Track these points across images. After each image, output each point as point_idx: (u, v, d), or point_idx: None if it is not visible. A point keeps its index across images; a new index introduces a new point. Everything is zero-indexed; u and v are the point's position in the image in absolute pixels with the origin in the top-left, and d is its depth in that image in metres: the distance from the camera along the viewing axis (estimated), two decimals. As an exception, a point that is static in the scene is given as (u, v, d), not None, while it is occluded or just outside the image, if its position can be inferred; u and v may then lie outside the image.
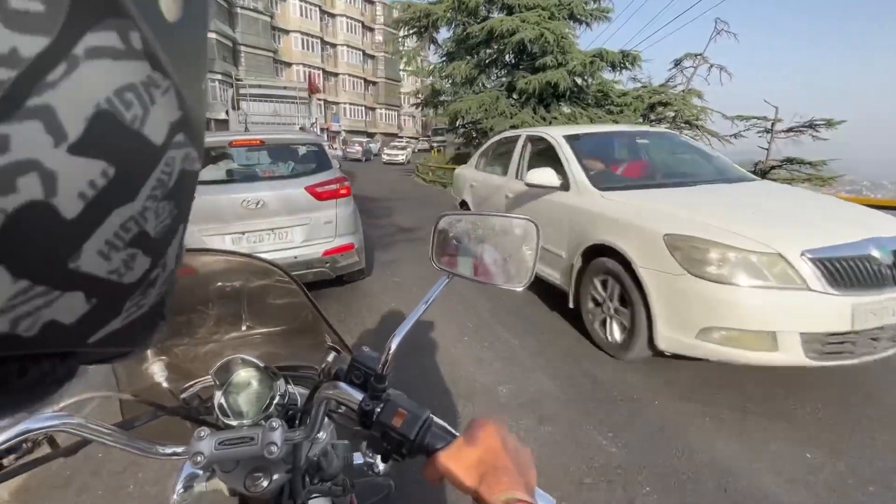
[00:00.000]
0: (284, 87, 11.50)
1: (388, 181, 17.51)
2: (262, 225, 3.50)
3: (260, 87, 11.37)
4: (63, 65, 0.12)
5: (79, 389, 0.52)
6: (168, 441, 0.61)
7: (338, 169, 4.10)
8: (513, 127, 13.89)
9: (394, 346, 0.57)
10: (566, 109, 14.59)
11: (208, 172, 3.77)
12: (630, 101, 14.83)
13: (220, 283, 0.83)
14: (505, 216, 0.70)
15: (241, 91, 10.30)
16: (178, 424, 0.71)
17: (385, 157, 27.56)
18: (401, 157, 27.35)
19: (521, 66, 14.72)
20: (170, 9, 0.15)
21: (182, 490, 0.70)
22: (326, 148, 4.15)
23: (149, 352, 0.76)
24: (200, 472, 0.69)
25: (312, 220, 3.65)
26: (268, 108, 11.25)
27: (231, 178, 3.92)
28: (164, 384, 0.73)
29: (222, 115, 27.22)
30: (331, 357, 0.73)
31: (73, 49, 0.12)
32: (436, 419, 0.54)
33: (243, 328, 0.88)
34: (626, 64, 13.60)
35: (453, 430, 0.53)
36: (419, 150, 40.16)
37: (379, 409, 0.53)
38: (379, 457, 0.70)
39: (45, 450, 0.58)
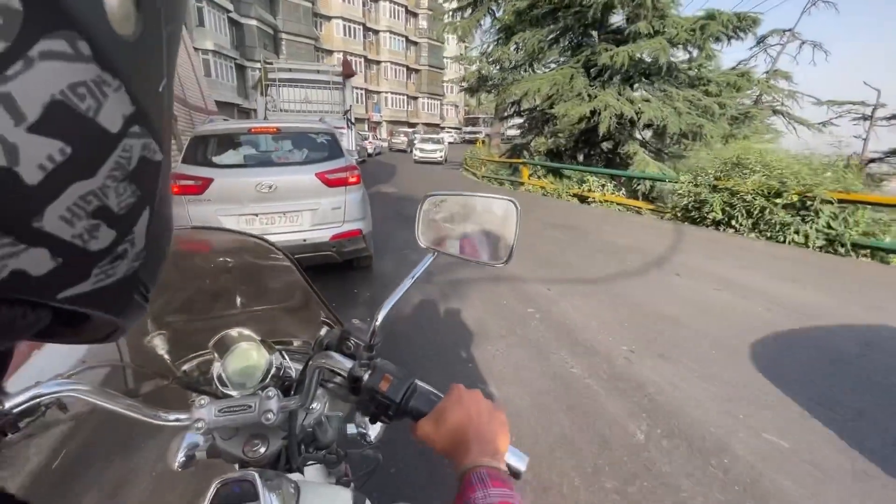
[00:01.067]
0: (317, 71, 10.32)
1: (435, 176, 15.76)
2: (274, 208, 3.64)
3: (290, 70, 10.10)
4: (20, 62, 0.15)
5: (85, 359, 0.68)
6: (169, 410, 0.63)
7: (351, 158, 4.26)
8: (593, 112, 11.85)
9: (380, 317, 0.60)
10: (644, 92, 12.23)
11: (228, 157, 3.96)
12: (734, 79, 12.31)
13: (218, 261, 0.91)
14: (487, 196, 0.71)
15: (270, 76, 9.51)
16: (179, 395, 0.75)
17: (417, 155, 22.20)
18: (438, 154, 22.13)
19: (602, 38, 12.48)
20: (122, 27, 0.18)
21: (183, 458, 0.71)
22: (351, 137, 4.19)
23: (150, 325, 0.82)
24: (201, 440, 0.71)
25: (322, 205, 3.77)
26: (298, 95, 9.74)
27: (248, 162, 4.03)
28: (166, 356, 0.75)
29: (246, 104, 26.42)
30: (323, 331, 0.76)
31: (28, 51, 0.15)
32: (420, 384, 0.58)
33: (240, 305, 0.94)
34: (741, 30, 11.06)
35: (438, 393, 0.57)
36: (459, 142, 38.92)
37: (367, 376, 0.57)
38: (370, 426, 0.83)
39: (56, 415, 0.61)
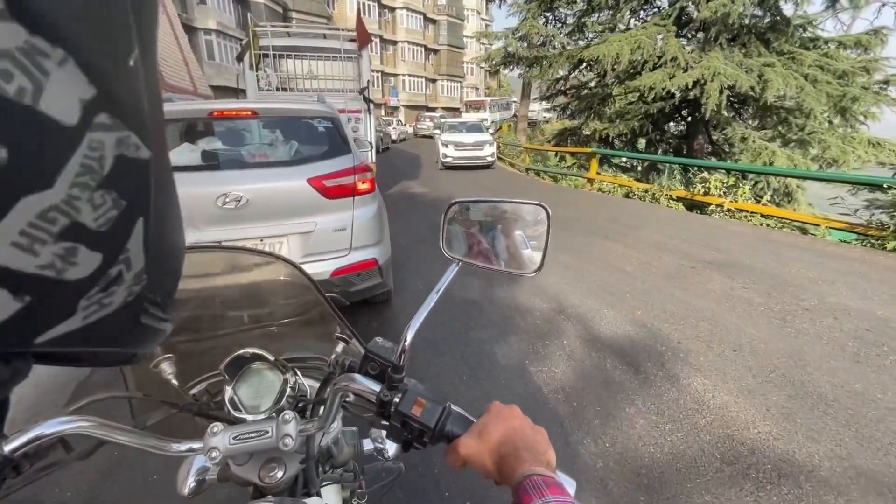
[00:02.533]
0: (323, 36, 7.49)
1: (467, 169, 12.81)
2: (245, 232, 2.49)
3: (288, 35, 7.48)
4: None
5: (89, 391, 0.63)
6: (177, 437, 0.59)
7: (364, 154, 3.34)
8: (696, 83, 8.88)
9: (409, 337, 0.56)
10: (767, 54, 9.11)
11: (179, 154, 2.69)
12: (865, 38, 9.14)
13: (224, 279, 0.85)
14: (515, 201, 0.67)
15: (263, 43, 6.82)
16: (187, 421, 0.71)
17: (449, 155, 12.40)
18: (484, 152, 12.56)
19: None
20: None
21: (193, 484, 0.69)
22: (369, 123, 3.74)
23: (158, 349, 0.75)
24: (211, 464, 0.68)
25: (318, 225, 2.63)
26: (301, 68, 7.04)
27: (207, 162, 2.69)
28: (174, 381, 0.70)
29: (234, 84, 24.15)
30: (339, 347, 0.77)
31: None
32: (454, 407, 0.54)
33: (250, 321, 0.90)
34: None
35: (471, 417, 0.53)
36: (489, 124, 35.91)
37: (398, 399, 0.53)
38: (390, 443, 0.78)
39: (60, 454, 0.55)
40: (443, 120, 14.39)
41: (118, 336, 0.19)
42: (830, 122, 9.47)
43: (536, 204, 0.65)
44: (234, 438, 0.58)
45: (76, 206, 0.15)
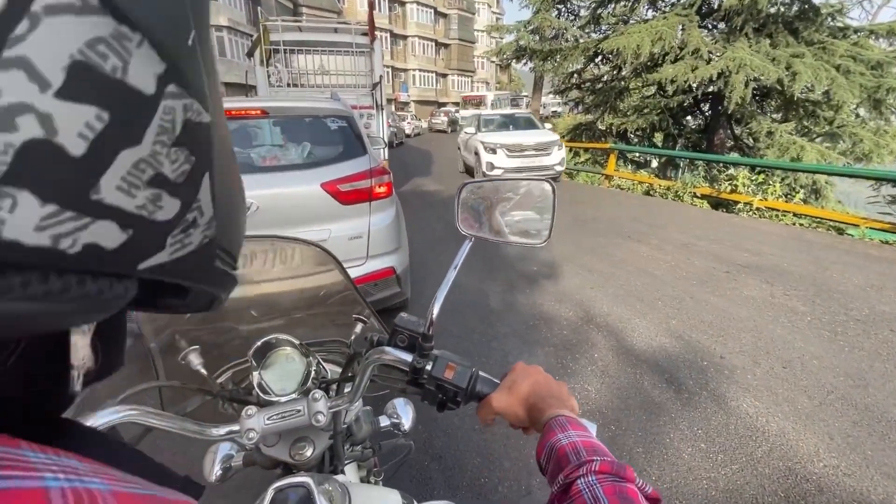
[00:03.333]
0: (335, 30, 7.13)
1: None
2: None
3: (300, 30, 7.10)
4: (26, 21, 0.14)
5: (120, 389, 0.60)
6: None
7: (379, 154, 3.17)
8: (721, 74, 8.51)
9: (436, 309, 0.60)
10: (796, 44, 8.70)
11: None
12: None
13: (248, 270, 0.89)
14: (523, 179, 0.72)
15: (273, 38, 6.59)
16: (209, 408, 0.75)
17: (498, 168, 8.45)
18: (550, 159, 8.62)
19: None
20: None
21: (220, 471, 0.72)
22: (381, 121, 3.71)
23: (183, 342, 0.82)
24: (234, 451, 0.74)
25: (333, 233, 2.49)
26: (312, 63, 6.88)
27: None
28: (202, 371, 0.73)
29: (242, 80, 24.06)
30: (358, 328, 0.82)
31: (31, 7, 0.14)
32: (480, 372, 0.59)
33: (270, 311, 0.93)
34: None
35: (496, 380, 0.59)
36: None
37: (430, 367, 0.58)
38: (403, 416, 0.87)
39: None
40: (480, 114, 10.53)
41: (199, 273, 0.23)
42: (858, 115, 9.05)
43: (542, 180, 0.70)
44: (268, 419, 0.61)
45: (158, 159, 0.18)
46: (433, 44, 41.42)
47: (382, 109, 6.51)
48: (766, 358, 2.61)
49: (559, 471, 0.42)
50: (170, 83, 0.18)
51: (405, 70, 39.60)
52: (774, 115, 10.20)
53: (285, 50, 6.86)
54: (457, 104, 31.23)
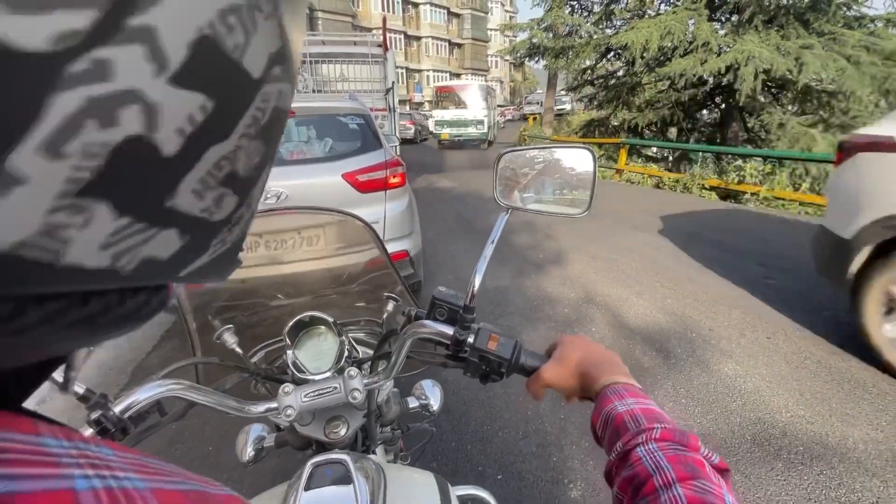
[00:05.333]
0: (354, 43, 8.38)
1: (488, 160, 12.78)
2: (282, 223, 2.26)
3: (323, 43, 8.30)
4: None
5: (150, 371, 0.64)
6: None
7: (393, 149, 3.42)
8: (729, 68, 8.59)
9: (477, 281, 0.59)
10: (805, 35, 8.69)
11: None
12: None
13: (280, 251, 0.95)
14: (561, 146, 0.68)
15: (300, 50, 6.74)
16: (243, 388, 0.75)
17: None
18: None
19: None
20: None
21: (252, 452, 0.74)
22: (394, 121, 3.91)
23: (217, 321, 0.83)
24: (266, 432, 0.76)
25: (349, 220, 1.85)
26: (334, 72, 8.33)
27: None
28: (237, 349, 0.74)
29: (299, 87, 24.72)
30: (390, 306, 0.81)
31: None
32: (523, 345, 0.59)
33: (300, 292, 0.96)
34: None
35: (540, 353, 0.58)
36: (518, 118, 35.24)
37: (472, 338, 0.57)
38: (433, 399, 0.87)
39: (156, 418, 0.59)
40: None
41: (222, 267, 0.20)
42: (877, 105, 8.97)
43: (582, 147, 0.67)
44: (305, 396, 0.61)
45: (238, 155, 0.16)
46: (447, 44, 41.68)
47: (394, 111, 7.26)
48: (752, 330, 2.82)
49: (617, 438, 0.41)
50: (276, 65, 0.16)
51: (419, 70, 39.96)
52: (791, 107, 10.18)
53: (311, 61, 7.56)
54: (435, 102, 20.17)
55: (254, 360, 0.81)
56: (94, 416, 0.52)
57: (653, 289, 3.53)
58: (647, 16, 10.61)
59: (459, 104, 17.01)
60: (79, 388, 0.51)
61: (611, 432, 0.43)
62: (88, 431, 0.52)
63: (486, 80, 46.19)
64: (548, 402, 2.20)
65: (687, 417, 2.09)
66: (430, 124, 17.21)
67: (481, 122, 16.93)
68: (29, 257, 0.11)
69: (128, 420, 0.55)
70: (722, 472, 0.37)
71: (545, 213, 0.69)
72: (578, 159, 0.67)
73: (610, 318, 3.09)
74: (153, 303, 0.17)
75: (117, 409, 0.54)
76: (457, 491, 0.68)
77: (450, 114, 17.04)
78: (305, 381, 0.65)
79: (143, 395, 0.56)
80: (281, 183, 2.64)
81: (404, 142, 25.73)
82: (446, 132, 16.89)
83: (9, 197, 0.10)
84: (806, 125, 8.77)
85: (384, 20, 8.69)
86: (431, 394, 0.88)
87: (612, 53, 11.92)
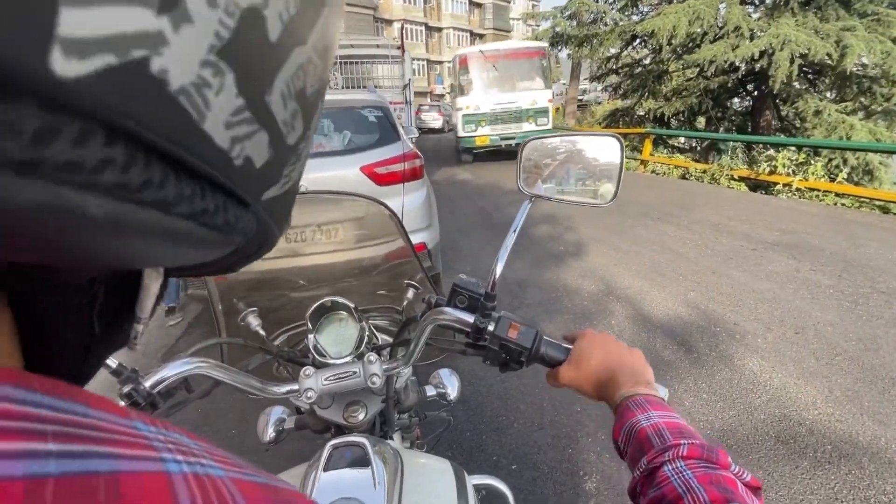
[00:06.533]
0: (377, 45, 9.34)
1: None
2: (303, 219, 2.05)
3: (352, 46, 9.26)
4: None
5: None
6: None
7: (410, 141, 3.23)
8: (763, 53, 8.24)
9: (498, 269, 0.58)
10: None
11: None
12: None
13: (302, 231, 1.01)
14: (588, 134, 0.67)
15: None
16: (265, 370, 0.77)
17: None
18: None
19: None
20: None
21: (273, 433, 0.75)
22: (409, 114, 3.83)
23: (241, 305, 0.84)
24: (287, 414, 0.77)
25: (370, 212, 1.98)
26: (359, 71, 9.23)
27: None
28: (261, 332, 0.75)
29: None
30: (410, 294, 0.82)
31: None
32: (544, 335, 0.58)
33: (322, 277, 0.99)
34: None
35: (561, 343, 0.57)
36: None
37: (493, 326, 0.57)
38: (451, 387, 0.87)
39: (184, 394, 0.61)
40: None
41: (286, 215, 0.20)
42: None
43: (609, 135, 0.66)
44: (325, 379, 0.63)
45: (307, 69, 0.16)
46: (468, 34, 41.25)
47: (410, 105, 8.20)
48: (779, 325, 2.72)
49: (641, 454, 0.39)
50: None
51: (440, 62, 39.75)
52: (828, 94, 9.70)
53: (340, 62, 8.43)
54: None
55: (276, 343, 0.82)
56: (126, 389, 0.54)
57: (675, 282, 3.45)
58: (674, 1, 10.22)
59: (507, 82, 9.62)
60: (111, 363, 0.53)
61: (634, 448, 0.41)
62: (120, 404, 0.55)
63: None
64: (564, 395, 2.19)
65: (708, 413, 2.04)
66: (457, 120, 10.05)
67: (544, 113, 9.47)
68: (184, 106, 0.11)
69: (157, 395, 0.56)
70: (755, 490, 0.36)
71: (569, 202, 0.68)
72: (605, 148, 0.66)
73: (630, 312, 3.03)
74: (243, 221, 0.16)
75: (147, 383, 0.55)
76: (472, 480, 0.68)
77: (489, 100, 9.41)
78: (326, 365, 0.66)
79: (171, 371, 0.57)
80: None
81: (432, 132, 25.93)
82: (485, 134, 9.48)
83: (180, 34, 0.10)
84: (844, 112, 8.34)
85: (402, 26, 10.15)
86: (449, 382, 0.89)
87: (637, 41, 11.57)
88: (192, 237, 0.14)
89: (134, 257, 0.14)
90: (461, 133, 9.74)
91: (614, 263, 3.90)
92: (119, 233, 0.12)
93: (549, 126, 9.66)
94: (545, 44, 10.13)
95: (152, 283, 0.18)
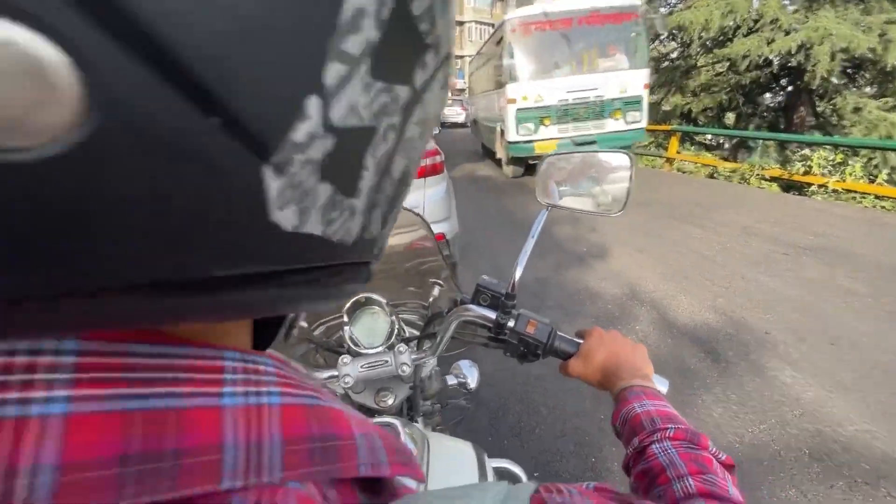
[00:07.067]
0: None
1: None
2: None
3: None
4: None
5: None
6: None
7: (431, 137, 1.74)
8: (801, 47, 7.91)
9: (518, 272, 0.65)
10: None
11: None
12: None
13: None
14: (602, 151, 0.75)
15: None
16: (307, 358, 0.88)
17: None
18: None
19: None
20: None
21: None
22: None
23: None
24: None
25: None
26: None
27: None
28: (304, 323, 0.83)
29: None
30: (436, 291, 0.90)
31: None
32: (558, 331, 0.64)
33: None
34: None
35: (573, 338, 0.63)
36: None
37: (513, 322, 0.63)
38: (469, 376, 0.93)
39: None
40: None
41: (379, 248, 0.21)
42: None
43: (620, 152, 0.74)
44: (361, 367, 0.70)
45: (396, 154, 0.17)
46: (490, 28, 40.82)
47: None
48: (812, 335, 2.63)
49: (634, 435, 0.45)
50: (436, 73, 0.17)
51: (461, 56, 39.48)
52: (867, 89, 9.26)
53: None
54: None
55: (315, 333, 0.89)
56: None
57: (702, 286, 3.36)
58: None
59: (584, 61, 6.48)
60: None
61: (629, 430, 0.47)
62: None
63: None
64: (588, 401, 2.16)
65: (739, 426, 1.99)
66: (507, 117, 6.74)
67: (636, 105, 6.57)
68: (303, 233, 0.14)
69: None
70: (728, 467, 0.41)
71: (582, 211, 0.76)
72: (617, 163, 0.73)
73: (655, 317, 2.97)
74: (361, 276, 0.19)
75: None
76: (491, 463, 0.73)
77: (558, 88, 6.47)
78: (360, 355, 0.73)
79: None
80: None
81: (455, 126, 25.93)
82: (551, 137, 6.62)
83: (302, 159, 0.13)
84: (886, 109, 7.95)
85: None
86: (469, 373, 0.95)
87: (665, 35, 11.24)
88: (308, 295, 0.17)
89: (269, 311, 0.18)
90: (513, 136, 6.58)
91: (639, 266, 3.83)
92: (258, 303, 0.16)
93: (643, 125, 6.62)
94: (638, 1, 6.35)
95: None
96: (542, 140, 6.55)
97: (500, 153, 7.88)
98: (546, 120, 6.52)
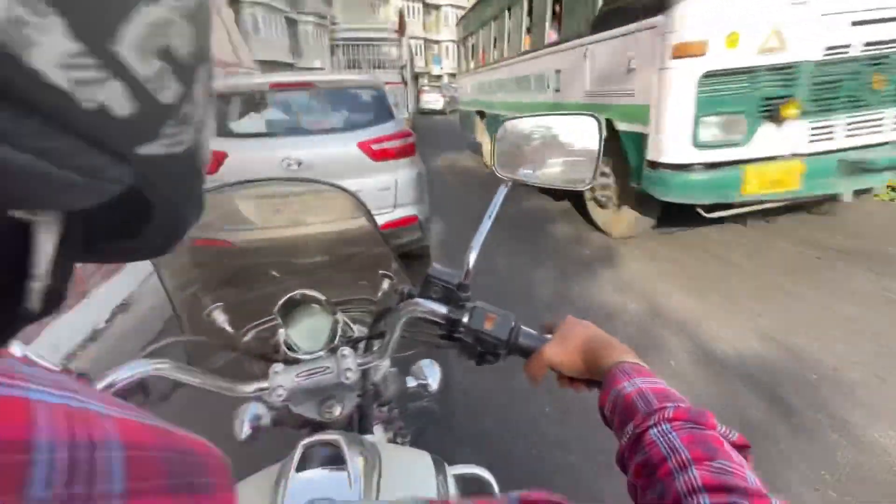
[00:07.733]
0: (376, 30, 10.80)
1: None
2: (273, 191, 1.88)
3: (351, 29, 10.83)
4: None
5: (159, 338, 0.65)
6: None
7: (403, 120, 3.59)
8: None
9: (472, 258, 0.58)
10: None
11: (247, 123, 3.20)
12: None
13: (272, 229, 0.94)
14: (566, 114, 0.66)
15: (336, 35, 10.45)
16: (236, 367, 0.76)
17: None
18: None
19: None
20: None
21: (249, 430, 0.71)
22: (408, 94, 4.46)
23: (206, 299, 0.81)
24: (264, 410, 0.72)
25: (366, 185, 2.82)
26: (361, 53, 10.85)
27: (272, 130, 3.16)
28: (228, 328, 0.75)
29: (317, 64, 23.00)
30: (385, 284, 0.82)
31: None
32: (522, 325, 0.56)
33: (293, 270, 0.92)
34: None
35: (540, 334, 0.56)
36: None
37: (467, 318, 0.55)
38: (430, 377, 0.83)
39: (141, 398, 0.57)
40: None
41: (181, 185, 0.21)
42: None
43: (587, 115, 0.63)
44: (296, 376, 0.61)
45: (170, 28, 0.16)
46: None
47: (407, 84, 8.46)
48: (894, 372, 2.09)
49: (627, 421, 0.39)
50: None
51: (438, 42, 38.40)
52: None
53: (343, 44, 8.76)
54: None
55: (246, 338, 0.80)
56: None
57: (735, 301, 2.81)
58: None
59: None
60: (54, 368, 0.45)
61: (620, 415, 0.41)
62: None
63: None
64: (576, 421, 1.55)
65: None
66: (676, 98, 2.87)
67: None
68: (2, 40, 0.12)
69: None
70: (741, 448, 0.35)
71: (546, 185, 0.68)
72: (583, 128, 0.63)
73: (689, 345, 2.39)
74: (112, 171, 0.16)
75: (98, 387, 0.51)
76: (455, 470, 0.67)
77: (817, 31, 2.59)
78: (298, 361, 0.65)
79: (124, 373, 0.53)
80: (300, 151, 2.87)
81: (434, 112, 25.59)
82: (786, 156, 2.92)
83: None
84: None
85: (401, 14, 10.75)
86: (430, 373, 0.86)
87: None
88: (52, 177, 0.15)
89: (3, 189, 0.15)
90: (679, 149, 3.01)
91: (656, 274, 3.27)
92: None
93: None
94: None
95: (43, 240, 0.17)
96: (765, 161, 2.97)
97: (609, 194, 3.92)
98: (790, 106, 2.78)
